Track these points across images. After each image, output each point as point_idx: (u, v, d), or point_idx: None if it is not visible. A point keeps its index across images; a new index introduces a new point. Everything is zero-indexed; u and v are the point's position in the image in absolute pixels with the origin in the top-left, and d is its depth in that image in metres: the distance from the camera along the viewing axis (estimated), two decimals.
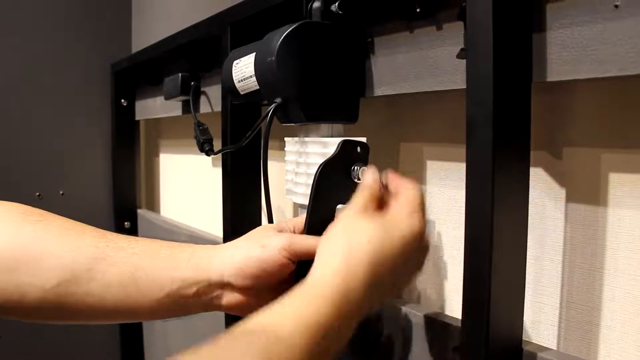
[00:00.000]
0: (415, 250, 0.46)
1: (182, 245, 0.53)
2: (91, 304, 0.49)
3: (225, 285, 0.51)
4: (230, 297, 0.51)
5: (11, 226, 0.50)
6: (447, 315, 0.59)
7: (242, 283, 0.50)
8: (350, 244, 0.43)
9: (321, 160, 0.54)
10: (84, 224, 0.54)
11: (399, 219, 0.45)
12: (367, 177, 0.49)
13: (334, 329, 0.40)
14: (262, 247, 0.50)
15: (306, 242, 0.49)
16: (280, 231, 0.53)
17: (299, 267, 0.50)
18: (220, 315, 0.77)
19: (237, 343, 0.37)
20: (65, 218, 0.54)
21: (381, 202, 0.48)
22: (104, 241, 0.51)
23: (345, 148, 0.54)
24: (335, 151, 0.54)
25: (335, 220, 0.47)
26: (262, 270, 0.49)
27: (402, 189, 0.48)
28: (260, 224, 0.84)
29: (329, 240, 0.45)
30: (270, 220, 0.63)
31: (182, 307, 0.51)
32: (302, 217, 0.55)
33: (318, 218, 0.51)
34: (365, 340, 0.64)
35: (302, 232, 0.54)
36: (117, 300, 0.50)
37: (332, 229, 0.46)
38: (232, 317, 0.54)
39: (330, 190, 0.52)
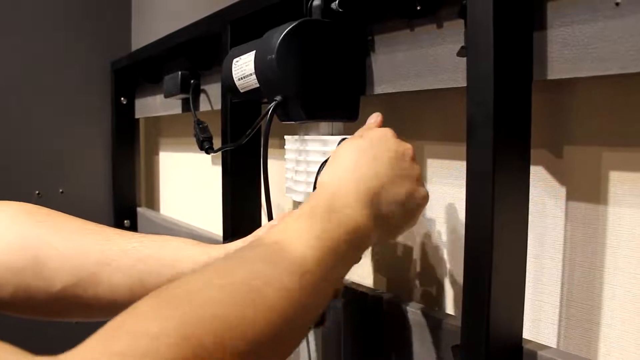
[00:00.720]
0: (393, 151, 0.48)
1: (187, 246, 0.53)
2: (101, 304, 0.50)
3: None
4: None
5: (19, 228, 0.50)
6: (447, 314, 0.59)
7: None
8: (334, 160, 0.48)
9: (321, 158, 0.54)
10: (87, 223, 0.54)
11: (366, 129, 0.51)
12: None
13: (333, 209, 0.42)
14: None
15: None
16: None
17: None
18: None
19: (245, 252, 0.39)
20: (69, 217, 0.54)
21: None
22: (107, 245, 0.51)
23: None
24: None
25: None
26: None
27: None
28: (260, 222, 0.84)
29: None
30: (270, 218, 0.63)
31: None
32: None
33: None
34: (366, 338, 0.64)
35: None
36: (126, 300, 0.50)
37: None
38: None
39: None
